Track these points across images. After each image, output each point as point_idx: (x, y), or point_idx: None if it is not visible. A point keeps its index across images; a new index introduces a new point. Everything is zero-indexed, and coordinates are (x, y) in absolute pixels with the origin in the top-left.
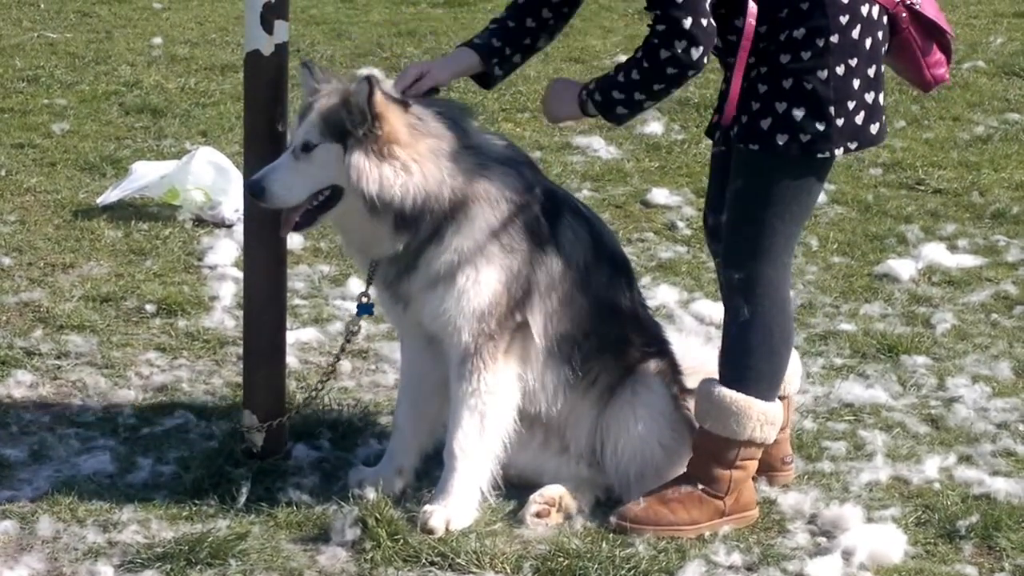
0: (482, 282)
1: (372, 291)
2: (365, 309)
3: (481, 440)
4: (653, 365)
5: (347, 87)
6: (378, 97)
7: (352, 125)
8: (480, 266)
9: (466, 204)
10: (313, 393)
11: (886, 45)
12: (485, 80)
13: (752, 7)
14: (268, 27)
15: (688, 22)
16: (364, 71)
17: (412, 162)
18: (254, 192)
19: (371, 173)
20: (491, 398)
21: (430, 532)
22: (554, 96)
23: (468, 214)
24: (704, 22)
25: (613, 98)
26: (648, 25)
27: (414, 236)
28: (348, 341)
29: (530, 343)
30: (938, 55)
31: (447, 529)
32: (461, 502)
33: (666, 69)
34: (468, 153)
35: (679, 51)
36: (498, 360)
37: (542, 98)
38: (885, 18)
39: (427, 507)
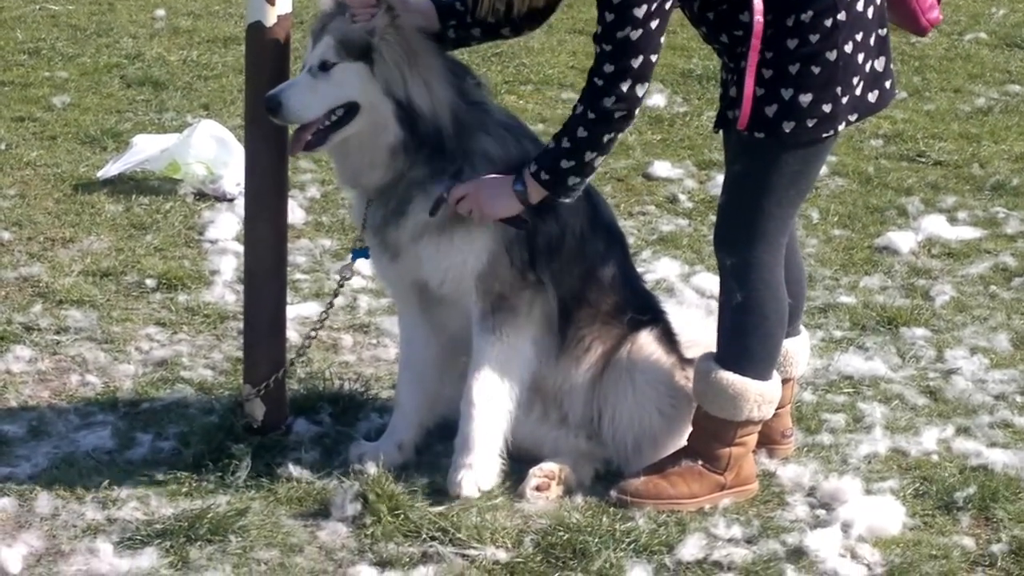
0: (477, 241)
1: (365, 239)
2: (360, 253)
3: (499, 396)
4: (648, 333)
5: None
6: (402, 21)
7: (377, 46)
8: (471, 225)
9: (469, 157)
10: (308, 341)
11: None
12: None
13: (758, 3)
14: None
15: (638, 61)
16: None
17: (431, 79)
18: (270, 107)
19: (402, 79)
20: (513, 351)
21: (463, 499)
22: (487, 198)
23: (469, 166)
24: (653, 58)
25: (562, 168)
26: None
27: (410, 163)
28: (340, 286)
29: (547, 305)
30: None
31: (478, 491)
32: (485, 461)
33: (614, 113)
34: (473, 109)
35: (624, 90)
36: (518, 318)
37: (471, 201)
38: None
39: (454, 475)
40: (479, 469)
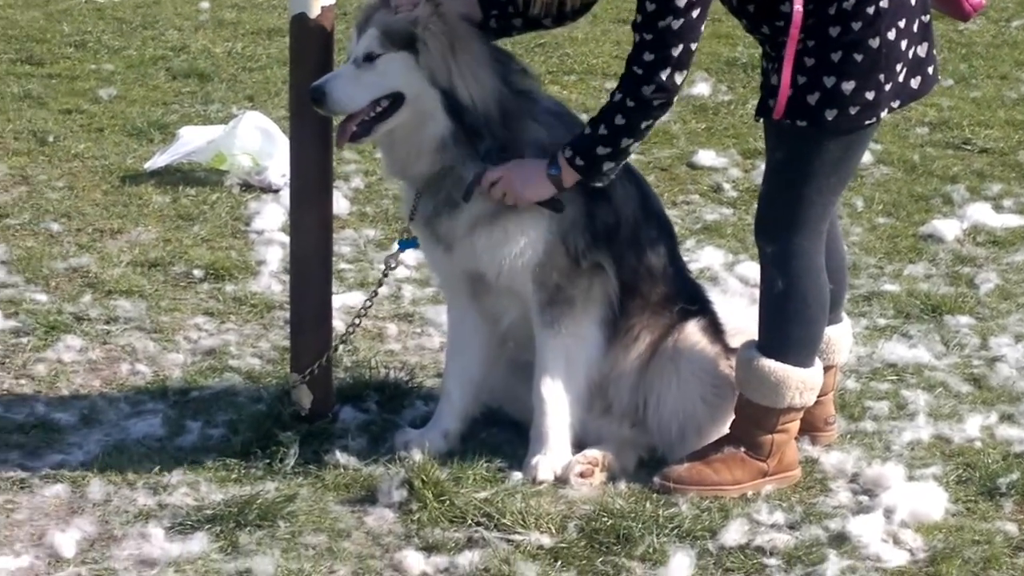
0: (532, 231)
1: (414, 230)
2: (408, 244)
3: (568, 384)
4: (695, 323)
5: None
6: (446, 10)
7: (422, 36)
8: (524, 214)
9: (517, 146)
10: (352, 328)
11: None
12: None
13: None
14: None
15: (678, 49)
16: None
17: (476, 68)
18: (315, 97)
19: (447, 69)
20: (575, 341)
21: (540, 483)
22: (521, 183)
23: (519, 156)
24: (693, 47)
25: (598, 155)
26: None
27: (459, 155)
28: (385, 275)
29: (606, 286)
30: None
31: (553, 475)
32: (559, 447)
33: (653, 101)
34: (519, 97)
35: (663, 78)
36: (575, 309)
37: (504, 185)
38: None
39: (531, 460)
40: (553, 455)
